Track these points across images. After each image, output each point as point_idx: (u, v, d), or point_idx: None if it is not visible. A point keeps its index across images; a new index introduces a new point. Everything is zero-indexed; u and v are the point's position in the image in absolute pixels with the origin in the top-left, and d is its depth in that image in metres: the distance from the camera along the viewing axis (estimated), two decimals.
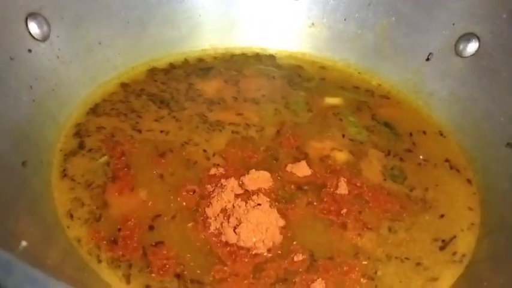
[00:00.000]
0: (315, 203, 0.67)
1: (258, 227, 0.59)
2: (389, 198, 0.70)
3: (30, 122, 0.69)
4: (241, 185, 0.66)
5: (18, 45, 0.70)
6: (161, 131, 0.78)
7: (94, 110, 0.80)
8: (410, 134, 0.84)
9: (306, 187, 0.70)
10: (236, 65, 0.96)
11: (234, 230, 0.60)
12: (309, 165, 0.72)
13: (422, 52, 0.92)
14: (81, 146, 0.74)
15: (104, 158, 0.72)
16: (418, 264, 0.63)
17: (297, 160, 0.73)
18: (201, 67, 0.95)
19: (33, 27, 0.73)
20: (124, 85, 0.87)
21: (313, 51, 1.02)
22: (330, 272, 0.60)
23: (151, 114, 0.81)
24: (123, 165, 0.70)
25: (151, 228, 0.62)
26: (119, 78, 0.88)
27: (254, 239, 0.59)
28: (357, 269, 0.60)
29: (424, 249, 0.65)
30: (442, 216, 0.70)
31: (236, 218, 0.60)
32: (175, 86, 0.88)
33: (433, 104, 0.90)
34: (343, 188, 0.69)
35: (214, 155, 0.75)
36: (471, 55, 0.85)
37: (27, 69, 0.71)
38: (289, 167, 0.72)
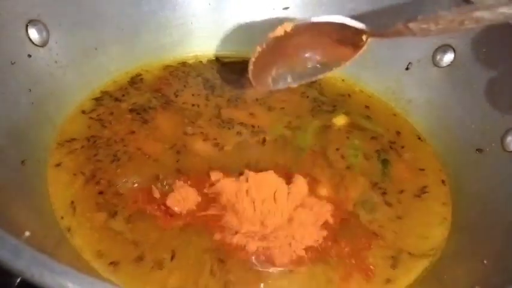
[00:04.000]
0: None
1: (185, 201, 0.69)
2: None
3: (29, 123, 0.73)
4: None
5: (19, 51, 0.74)
6: (193, 104, 0.89)
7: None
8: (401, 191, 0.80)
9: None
10: None
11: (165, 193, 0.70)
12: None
13: (402, 62, 0.97)
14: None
15: None
16: None
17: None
18: None
19: (33, 33, 0.77)
20: (186, 64, 1.00)
21: None
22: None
23: (193, 89, 0.94)
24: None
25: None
26: (114, 81, 0.92)
27: (176, 209, 0.69)
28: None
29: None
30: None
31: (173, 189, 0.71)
32: (226, 76, 0.98)
33: (410, 110, 0.95)
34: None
35: (213, 140, 0.82)
36: (447, 65, 0.91)
37: (26, 73, 0.75)
38: None
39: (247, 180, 0.69)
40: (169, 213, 0.69)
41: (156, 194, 0.71)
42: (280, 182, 0.69)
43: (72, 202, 0.69)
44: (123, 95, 0.90)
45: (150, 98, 0.90)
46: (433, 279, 0.64)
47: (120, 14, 0.93)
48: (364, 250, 0.68)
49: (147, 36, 0.97)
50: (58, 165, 0.74)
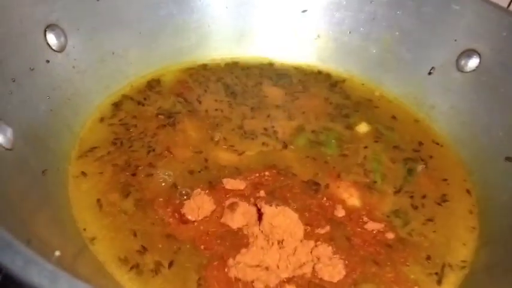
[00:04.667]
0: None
1: (200, 209, 0.68)
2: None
3: (48, 131, 0.72)
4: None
5: (37, 56, 0.73)
6: (216, 109, 0.89)
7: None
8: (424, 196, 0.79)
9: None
10: (308, 82, 1.00)
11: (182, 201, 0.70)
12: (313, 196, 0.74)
13: (424, 66, 0.95)
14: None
15: None
16: None
17: (311, 189, 0.75)
18: (278, 72, 1.02)
19: (51, 38, 0.76)
20: (205, 67, 1.00)
21: (319, 62, 1.05)
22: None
23: (215, 95, 0.93)
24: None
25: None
26: (131, 86, 0.91)
27: (189, 217, 0.67)
28: None
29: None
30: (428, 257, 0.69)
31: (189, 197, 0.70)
32: (246, 81, 0.97)
33: (434, 116, 0.93)
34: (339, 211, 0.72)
35: (237, 150, 0.81)
36: (472, 71, 0.88)
37: (45, 79, 0.74)
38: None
39: (261, 216, 0.66)
40: (182, 220, 0.68)
41: (175, 200, 0.70)
42: (295, 222, 0.65)
43: (99, 200, 0.69)
44: (145, 99, 0.89)
45: (175, 102, 0.88)
46: None
47: (137, 18, 0.91)
48: (403, 266, 0.66)
49: (165, 40, 0.95)
50: (82, 174, 0.72)
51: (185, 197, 0.70)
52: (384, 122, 0.92)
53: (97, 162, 0.74)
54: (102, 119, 0.82)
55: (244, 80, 0.98)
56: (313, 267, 0.63)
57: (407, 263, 0.67)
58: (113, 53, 0.88)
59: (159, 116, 0.85)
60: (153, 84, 0.93)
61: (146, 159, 0.76)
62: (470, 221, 0.75)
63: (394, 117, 0.94)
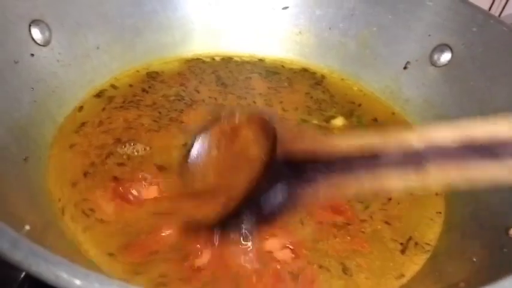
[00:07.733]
0: None
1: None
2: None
3: (31, 121, 0.74)
4: None
5: (22, 50, 0.76)
6: (209, 97, 0.94)
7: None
8: None
9: None
10: (294, 80, 1.03)
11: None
12: None
13: (400, 61, 0.98)
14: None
15: None
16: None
17: None
18: (269, 69, 1.05)
19: (36, 33, 0.79)
20: (203, 61, 1.05)
21: (300, 57, 1.08)
22: None
23: (209, 86, 0.97)
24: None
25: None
26: (116, 80, 0.94)
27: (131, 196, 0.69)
28: None
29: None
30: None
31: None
32: (237, 76, 1.01)
33: (408, 110, 0.96)
34: None
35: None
36: (444, 65, 0.92)
37: (29, 72, 0.77)
38: None
39: None
40: (126, 199, 0.70)
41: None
42: None
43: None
44: (150, 87, 0.93)
45: (179, 90, 0.93)
46: (427, 277, 0.65)
47: (121, 13, 0.94)
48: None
49: (149, 35, 0.99)
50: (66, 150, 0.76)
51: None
52: (360, 116, 0.95)
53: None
54: (81, 108, 0.86)
55: (236, 74, 1.02)
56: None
57: (363, 230, 0.71)
58: (97, 48, 0.91)
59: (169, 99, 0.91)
60: (153, 75, 0.97)
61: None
62: (437, 207, 0.78)
63: (372, 115, 0.96)
